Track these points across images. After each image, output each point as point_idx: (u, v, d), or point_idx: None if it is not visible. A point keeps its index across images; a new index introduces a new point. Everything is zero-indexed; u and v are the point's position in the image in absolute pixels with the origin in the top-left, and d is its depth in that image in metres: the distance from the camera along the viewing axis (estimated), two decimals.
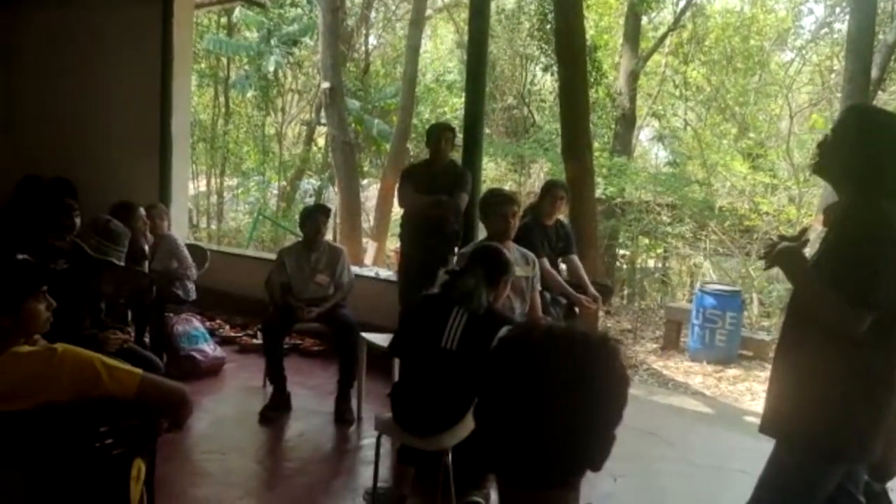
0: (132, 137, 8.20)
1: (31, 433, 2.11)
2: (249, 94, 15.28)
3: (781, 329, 2.39)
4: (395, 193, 5.98)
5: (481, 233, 5.34)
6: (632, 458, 4.11)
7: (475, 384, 3.00)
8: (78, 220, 5.50)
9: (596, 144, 10.82)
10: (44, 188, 9.03)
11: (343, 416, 4.83)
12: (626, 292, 12.54)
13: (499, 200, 4.11)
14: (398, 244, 10.41)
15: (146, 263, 5.30)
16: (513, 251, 3.99)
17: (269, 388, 5.05)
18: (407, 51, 12.38)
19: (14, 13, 9.35)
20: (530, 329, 1.08)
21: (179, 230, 7.06)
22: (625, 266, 13.07)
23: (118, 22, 8.26)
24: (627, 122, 13.04)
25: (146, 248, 5.41)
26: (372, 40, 16.03)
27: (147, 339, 5.30)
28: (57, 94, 8.98)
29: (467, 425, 3.13)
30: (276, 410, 4.85)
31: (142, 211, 5.45)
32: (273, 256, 7.46)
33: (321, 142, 15.87)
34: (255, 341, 6.48)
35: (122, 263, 3.92)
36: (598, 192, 10.03)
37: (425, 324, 3.27)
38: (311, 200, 14.41)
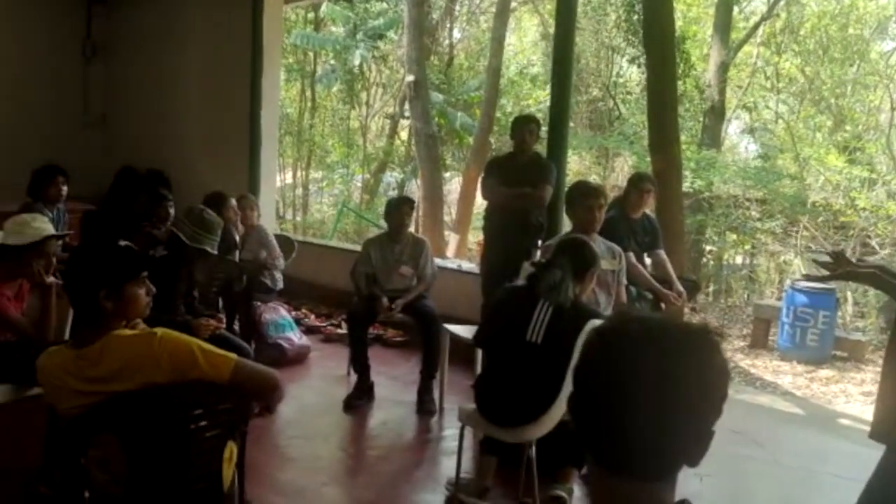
0: (223, 130, 8.43)
1: (133, 412, 2.20)
2: (335, 88, 15.52)
3: (893, 331, 2.29)
4: (479, 186, 5.99)
5: (566, 226, 5.31)
6: (718, 458, 3.96)
7: (561, 376, 2.98)
8: (172, 211, 5.68)
9: (683, 137, 10.57)
10: (140, 179, 9.39)
11: (425, 407, 4.87)
12: (711, 289, 12.26)
13: (585, 192, 4.07)
14: (480, 237, 10.43)
15: (237, 253, 5.44)
16: (598, 244, 3.94)
17: (353, 377, 5.12)
18: (491, 43, 12.36)
19: (111, 10, 9.73)
20: (627, 320, 1.07)
21: (267, 221, 7.23)
22: (711, 262, 12.78)
23: (209, 18, 8.49)
24: (716, 115, 12.71)
25: (237, 237, 5.55)
26: (456, 33, 16.05)
27: (236, 327, 5.45)
28: (151, 89, 9.30)
29: (552, 418, 3.12)
30: (359, 399, 4.93)
31: (233, 201, 5.60)
32: (356, 248, 7.57)
33: (404, 135, 15.99)
34: (339, 331, 6.60)
35: (216, 252, 4.05)
36: (685, 186, 9.81)
37: (511, 316, 3.26)
38: (393, 193, 14.55)
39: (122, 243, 2.49)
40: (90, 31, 9.69)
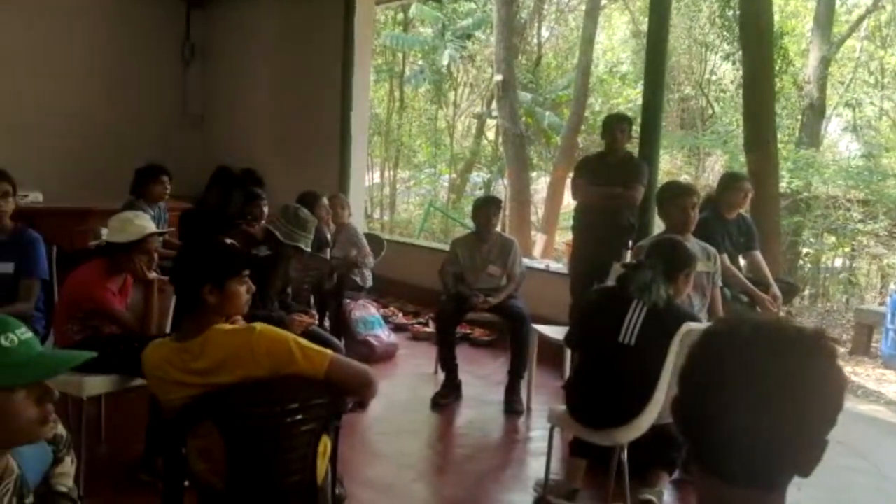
0: (314, 130, 8.60)
1: (233, 404, 2.26)
2: (423, 88, 15.63)
3: None
4: (568, 186, 5.94)
5: (657, 227, 5.21)
6: (818, 467, 3.86)
7: (654, 379, 2.93)
8: (266, 209, 5.83)
9: (780, 136, 10.23)
10: (234, 178, 9.66)
11: (513, 407, 4.85)
12: (808, 292, 11.81)
13: (678, 192, 3.99)
14: (568, 237, 10.33)
15: (328, 251, 5.54)
16: (693, 245, 3.85)
17: (441, 375, 5.15)
18: (581, 41, 12.24)
19: (208, 13, 10.05)
20: (739, 322, 1.04)
21: (357, 220, 7.34)
22: (808, 265, 12.32)
23: (303, 21, 8.68)
24: (815, 112, 12.24)
25: (328, 236, 5.65)
26: (544, 32, 15.94)
27: (326, 324, 5.54)
28: (247, 90, 9.57)
29: (644, 421, 3.07)
30: (447, 397, 4.95)
31: (325, 200, 5.70)
32: (443, 247, 7.61)
33: (491, 134, 15.99)
34: (426, 329, 6.64)
35: (309, 250, 4.13)
36: (782, 186, 9.48)
37: (603, 317, 3.22)
38: (480, 193, 14.55)
39: (227, 240, 2.56)
40: (189, 34, 10.05)
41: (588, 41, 11.89)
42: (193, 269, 2.40)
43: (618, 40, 16.77)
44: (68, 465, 1.61)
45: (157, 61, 9.74)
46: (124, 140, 8.96)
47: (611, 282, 4.11)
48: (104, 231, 5.33)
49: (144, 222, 3.62)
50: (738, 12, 9.83)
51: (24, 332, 1.45)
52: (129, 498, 3.40)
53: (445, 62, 14.18)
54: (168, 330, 3.86)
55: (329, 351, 2.32)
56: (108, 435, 4.09)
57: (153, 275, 3.60)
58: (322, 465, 2.53)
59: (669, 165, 14.33)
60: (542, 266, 6.95)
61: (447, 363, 5.02)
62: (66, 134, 8.79)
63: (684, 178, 13.54)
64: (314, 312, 4.45)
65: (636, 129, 5.78)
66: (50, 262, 4.08)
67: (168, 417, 2.40)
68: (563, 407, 3.39)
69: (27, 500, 1.53)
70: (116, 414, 4.28)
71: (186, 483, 2.59)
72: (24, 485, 1.52)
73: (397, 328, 6.65)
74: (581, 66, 11.89)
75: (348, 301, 5.93)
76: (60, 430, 1.62)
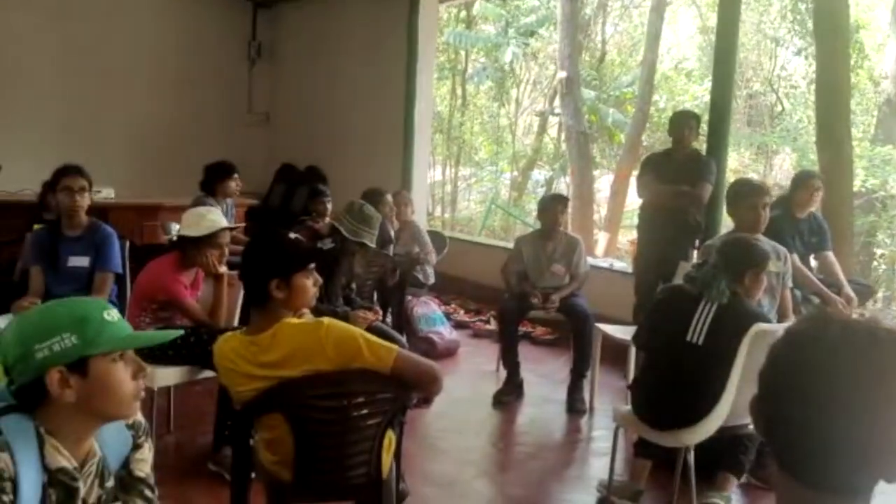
0: (377, 128, 8.67)
1: (300, 397, 2.29)
2: (485, 85, 15.60)
3: None
4: (634, 183, 5.86)
5: (725, 226, 5.11)
6: None
7: (723, 379, 2.87)
8: (329, 206, 5.90)
9: (855, 132, 9.92)
10: (299, 176, 9.82)
11: (575, 406, 4.82)
12: (881, 294, 11.43)
13: (749, 190, 3.89)
14: (631, 235, 10.20)
15: (391, 247, 5.57)
16: (763, 245, 3.76)
17: (503, 373, 5.14)
18: (646, 37, 12.06)
19: (274, 12, 10.22)
20: (826, 321, 1.00)
21: (419, 217, 7.37)
22: (882, 266, 11.92)
23: (367, 19, 8.76)
24: (892, 108, 11.83)
25: (392, 232, 5.69)
26: (608, 29, 15.76)
27: (388, 320, 5.58)
28: (311, 88, 9.70)
29: (713, 422, 3.01)
30: (509, 395, 4.93)
31: (389, 197, 5.74)
32: (504, 245, 7.60)
33: (553, 132, 15.88)
34: (487, 327, 6.64)
35: (374, 246, 4.17)
36: (856, 185, 9.19)
37: (671, 316, 3.17)
38: (542, 191, 14.46)
39: (293, 235, 2.60)
40: (255, 34, 10.23)
41: (654, 37, 11.72)
42: (261, 264, 2.43)
43: (684, 36, 16.47)
44: (146, 452, 1.66)
45: (223, 61, 9.94)
46: (192, 138, 9.18)
47: (677, 281, 4.05)
48: (174, 226, 5.47)
49: (217, 217, 3.71)
50: (811, 6, 9.57)
51: (118, 314, 1.56)
52: (196, 487, 3.47)
53: (508, 59, 14.13)
54: (236, 323, 3.94)
55: (395, 346, 2.33)
56: (177, 425, 4.19)
57: (223, 269, 3.67)
58: (387, 460, 2.55)
59: (736, 163, 14.01)
60: (605, 265, 6.89)
61: (509, 361, 5.01)
62: (137, 132, 9.04)
63: (752, 176, 13.24)
64: (377, 309, 4.49)
65: (703, 126, 5.68)
66: (123, 257, 4.20)
67: (238, 409, 2.45)
68: (627, 407, 3.34)
69: (108, 482, 1.58)
70: (185, 405, 4.38)
71: (253, 474, 2.64)
72: (105, 468, 1.58)
73: (458, 325, 6.65)
74: (646, 63, 11.72)
75: (410, 298, 5.97)
76: (140, 417, 1.67)
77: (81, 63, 8.70)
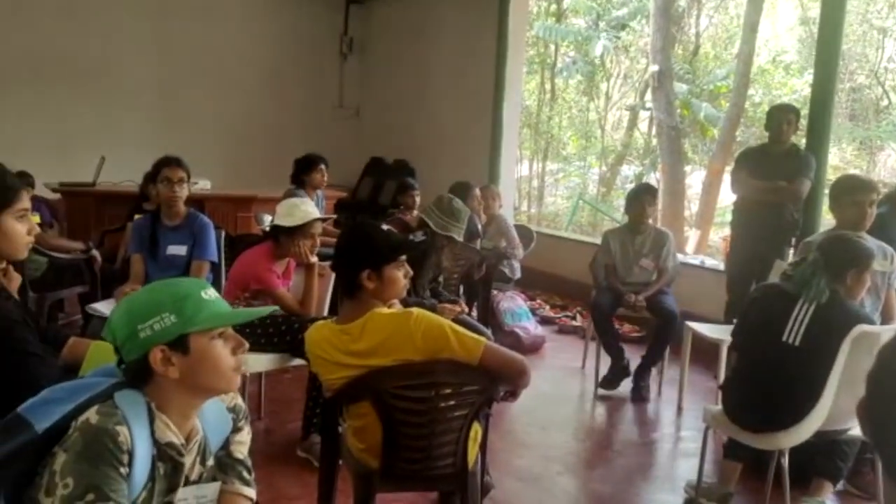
0: (465, 122, 8.69)
1: (389, 386, 2.32)
2: (574, 79, 15.43)
3: None
4: (727, 179, 5.70)
5: (824, 223, 4.93)
6: None
7: (821, 381, 2.77)
8: (418, 199, 5.96)
9: None
10: (387, 169, 9.94)
11: (639, 394, 4.88)
12: None
13: (855, 187, 3.73)
14: (723, 233, 9.92)
15: (478, 241, 5.58)
16: (868, 243, 3.60)
17: (588, 370, 5.12)
18: (743, 29, 11.70)
19: (366, 8, 10.36)
20: None
21: (506, 211, 7.36)
22: None
23: (458, 13, 8.78)
24: None
25: (479, 226, 5.69)
26: (703, 21, 15.37)
27: (474, 313, 5.59)
28: (401, 82, 9.80)
29: (809, 425, 2.90)
30: (615, 381, 4.96)
31: (477, 191, 5.75)
32: (592, 240, 7.51)
33: (644, 127, 15.59)
34: (573, 323, 6.58)
35: (462, 240, 4.18)
36: None
37: (766, 315, 3.07)
38: (630, 186, 14.23)
39: (385, 227, 2.63)
40: (347, 28, 10.38)
41: (751, 29, 11.35)
42: (353, 254, 2.47)
43: (783, 27, 15.92)
44: (245, 435, 1.71)
45: (315, 56, 10.15)
46: (284, 131, 9.41)
47: (773, 279, 3.92)
48: (266, 217, 5.62)
49: (310, 208, 3.78)
50: None
51: (216, 293, 1.62)
52: (284, 473, 3.56)
53: (598, 53, 13.93)
54: (325, 313, 4.01)
55: (483, 338, 2.33)
56: (267, 411, 4.30)
57: (314, 259, 3.75)
58: (473, 451, 2.56)
59: (837, 159, 13.48)
60: (696, 262, 6.72)
61: (611, 348, 4.98)
62: (232, 125, 9.33)
63: (854, 172, 12.71)
64: (463, 302, 4.50)
65: (802, 120, 5.48)
66: (218, 246, 4.32)
67: (328, 396, 2.50)
68: (718, 407, 3.26)
69: (208, 461, 1.64)
70: (275, 392, 4.50)
71: (340, 462, 2.69)
72: (207, 447, 1.64)
73: (544, 321, 6.61)
74: (742, 55, 11.37)
75: (496, 292, 5.96)
76: (239, 401, 1.73)
77: (180, 59, 9.03)
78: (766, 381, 2.99)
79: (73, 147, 7.90)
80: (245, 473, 1.70)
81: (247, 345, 1.64)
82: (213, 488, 1.65)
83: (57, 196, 6.54)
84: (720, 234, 10.94)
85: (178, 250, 4.15)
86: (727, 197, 10.52)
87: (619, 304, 4.95)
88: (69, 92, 8.40)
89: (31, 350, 2.14)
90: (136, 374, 1.54)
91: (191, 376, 1.54)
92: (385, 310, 2.43)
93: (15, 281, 2.31)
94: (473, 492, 2.58)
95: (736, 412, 3.11)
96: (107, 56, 8.59)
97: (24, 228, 2.17)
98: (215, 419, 1.65)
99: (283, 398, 4.47)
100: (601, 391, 4.96)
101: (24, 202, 2.17)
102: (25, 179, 4.74)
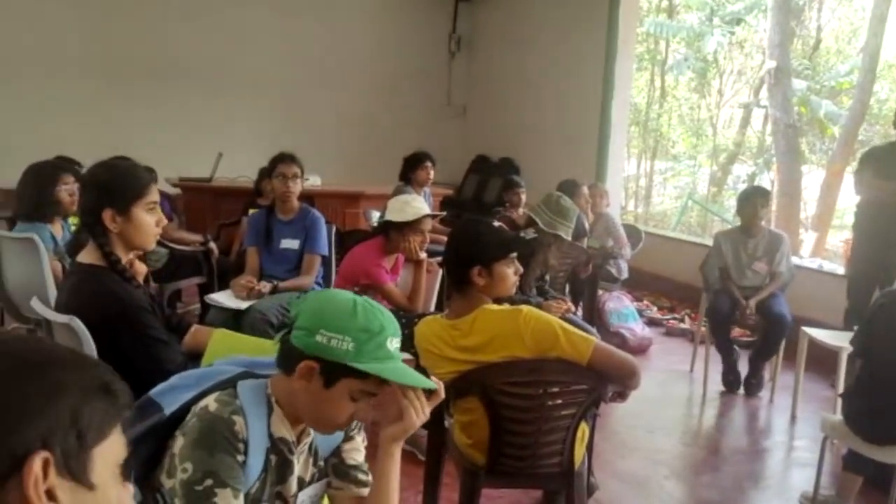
0: (572, 119, 8.61)
1: (497, 383, 2.33)
2: (685, 76, 15.06)
3: None
4: (848, 180, 5.45)
5: None
6: None
7: None
8: (524, 197, 5.95)
9: None
10: (493, 167, 9.96)
11: (752, 390, 4.87)
12: None
13: None
14: (842, 235, 9.49)
15: (585, 240, 5.53)
16: None
17: (697, 373, 5.04)
18: (871, 21, 11.13)
19: (474, 5, 10.40)
20: None
21: (614, 210, 7.25)
22: None
23: (566, 11, 8.70)
24: None
25: (586, 225, 5.64)
26: (825, 14, 14.72)
27: (579, 313, 5.54)
28: (508, 81, 9.79)
29: None
30: (737, 380, 4.97)
31: (585, 189, 5.70)
32: (701, 242, 7.32)
33: (758, 125, 15.07)
34: (681, 325, 6.43)
35: (569, 238, 4.15)
36: None
37: (893, 323, 2.93)
38: (742, 186, 13.77)
39: (496, 224, 2.65)
40: (455, 28, 10.45)
41: (879, 20, 10.79)
42: (464, 250, 2.49)
43: None
44: (359, 443, 1.71)
45: (424, 54, 10.26)
46: (392, 129, 9.55)
47: None
48: (374, 213, 5.73)
49: (420, 205, 3.84)
50: None
51: (398, 343, 1.54)
52: None
53: (711, 49, 13.56)
54: (432, 308, 4.06)
55: (592, 337, 2.32)
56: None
57: (423, 255, 3.80)
58: (579, 451, 2.55)
59: None
60: (814, 266, 6.45)
61: (727, 353, 4.97)
62: (342, 123, 9.55)
63: None
64: (569, 301, 4.46)
65: None
66: (329, 241, 4.44)
67: None
68: (838, 417, 3.13)
69: (320, 462, 1.67)
70: None
71: (445, 456, 2.72)
72: (317, 451, 1.66)
73: (651, 322, 6.49)
74: (868, 50, 10.81)
75: (602, 292, 5.90)
76: None
77: (296, 58, 9.29)
78: (892, 390, 2.86)
79: (192, 143, 8.20)
80: (361, 476, 1.69)
81: (371, 415, 1.56)
82: (322, 486, 1.68)
83: (176, 190, 6.84)
84: (840, 237, 10.48)
85: (291, 244, 4.27)
86: (847, 198, 10.05)
87: (736, 309, 4.81)
88: (190, 90, 8.76)
89: (157, 336, 2.26)
90: (286, 358, 1.51)
91: (314, 402, 1.50)
92: (495, 306, 2.45)
93: (141, 271, 2.44)
94: (579, 491, 2.56)
95: (858, 422, 2.98)
96: (226, 56, 8.93)
97: (153, 220, 2.29)
98: None
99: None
100: (721, 389, 4.98)
101: (154, 195, 2.30)
102: (151, 174, 4.97)
